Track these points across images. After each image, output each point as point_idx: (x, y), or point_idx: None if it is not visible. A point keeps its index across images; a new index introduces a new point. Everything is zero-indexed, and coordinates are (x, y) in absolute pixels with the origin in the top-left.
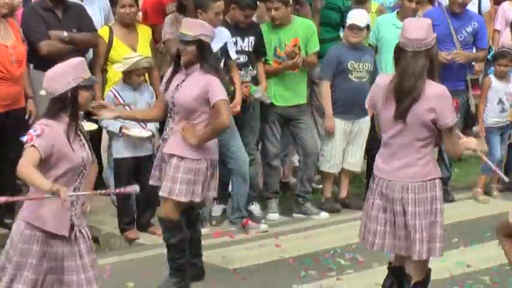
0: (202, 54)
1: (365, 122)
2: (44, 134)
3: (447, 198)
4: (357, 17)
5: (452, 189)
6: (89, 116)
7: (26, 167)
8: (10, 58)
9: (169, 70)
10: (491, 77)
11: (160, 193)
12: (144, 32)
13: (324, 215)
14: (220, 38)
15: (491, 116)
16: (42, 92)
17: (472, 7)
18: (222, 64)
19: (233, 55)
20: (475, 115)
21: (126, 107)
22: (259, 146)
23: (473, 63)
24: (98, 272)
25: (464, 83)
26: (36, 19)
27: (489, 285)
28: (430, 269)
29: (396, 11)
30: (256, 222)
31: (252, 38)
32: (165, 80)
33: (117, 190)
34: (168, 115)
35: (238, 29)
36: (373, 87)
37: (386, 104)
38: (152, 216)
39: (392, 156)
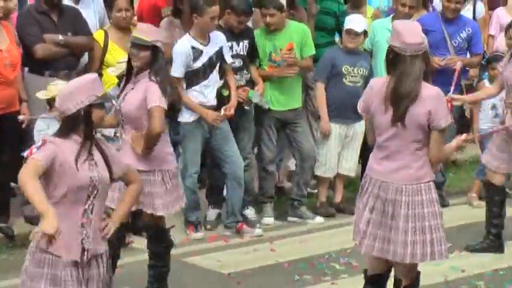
0: (154, 61)
1: (360, 126)
2: (45, 147)
3: (442, 203)
4: (354, 22)
5: (446, 194)
6: None
7: (27, 179)
8: (4, 61)
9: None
10: (486, 81)
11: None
12: None
13: (319, 219)
14: (216, 42)
15: (485, 121)
16: (40, 94)
17: (467, 13)
18: (217, 68)
19: (228, 59)
20: (470, 120)
21: None
22: (255, 150)
23: (467, 68)
24: None
25: (459, 88)
26: (31, 22)
27: None
28: (419, 272)
29: (391, 15)
30: (251, 227)
31: (246, 42)
32: (120, 89)
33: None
34: (121, 125)
35: (233, 34)
36: (366, 91)
37: (382, 107)
38: None
39: (386, 158)
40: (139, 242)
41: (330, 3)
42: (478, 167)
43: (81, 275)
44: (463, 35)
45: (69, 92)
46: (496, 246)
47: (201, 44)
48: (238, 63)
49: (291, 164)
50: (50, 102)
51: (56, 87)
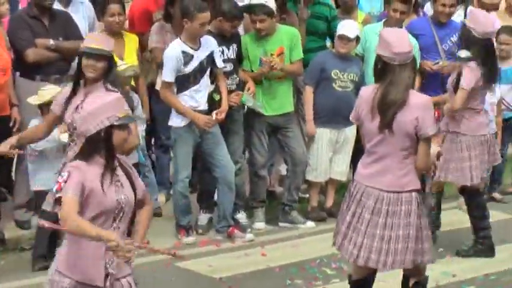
0: (109, 71)
1: (350, 131)
2: (71, 179)
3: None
4: (347, 27)
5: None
6: None
7: (74, 219)
8: None
9: (67, 89)
10: None
11: None
12: (131, 41)
13: (310, 224)
14: (207, 46)
15: None
16: (31, 100)
17: (458, 18)
18: (208, 72)
19: (220, 64)
20: None
21: None
22: (246, 154)
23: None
24: None
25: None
26: (22, 27)
27: None
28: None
29: (383, 20)
30: (243, 231)
31: (235, 46)
32: (62, 99)
33: None
34: (70, 139)
35: (223, 38)
36: (357, 99)
37: (369, 115)
38: None
39: (374, 162)
40: None
41: (322, 7)
42: None
43: None
44: (454, 39)
45: (89, 112)
46: (487, 250)
47: (191, 48)
48: (229, 67)
49: (283, 168)
50: (42, 107)
51: (48, 91)
